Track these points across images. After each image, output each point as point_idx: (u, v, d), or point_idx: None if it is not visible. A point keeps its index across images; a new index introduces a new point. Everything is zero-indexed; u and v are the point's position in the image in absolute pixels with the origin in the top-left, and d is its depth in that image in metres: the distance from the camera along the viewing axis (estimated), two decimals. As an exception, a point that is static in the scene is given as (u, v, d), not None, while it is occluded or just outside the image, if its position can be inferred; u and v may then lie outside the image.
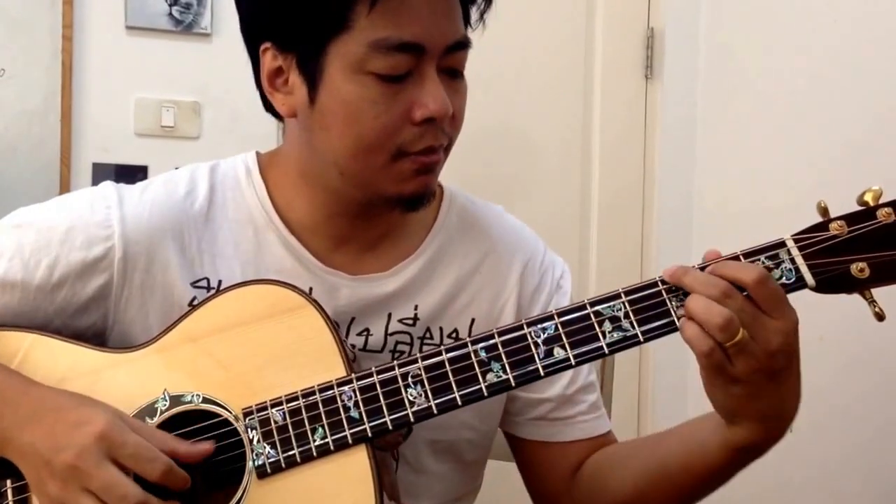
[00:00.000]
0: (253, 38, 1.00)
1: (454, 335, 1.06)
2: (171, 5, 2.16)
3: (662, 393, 2.36)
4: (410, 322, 1.05)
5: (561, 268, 1.14)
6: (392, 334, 1.04)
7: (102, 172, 2.11)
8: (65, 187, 2.10)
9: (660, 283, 0.88)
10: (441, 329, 1.06)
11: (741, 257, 0.87)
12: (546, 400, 1.10)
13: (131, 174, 2.11)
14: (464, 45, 0.97)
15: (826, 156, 1.85)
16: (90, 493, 0.84)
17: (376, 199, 0.99)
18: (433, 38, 0.93)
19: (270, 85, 0.99)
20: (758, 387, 0.85)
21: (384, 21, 0.91)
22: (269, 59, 0.98)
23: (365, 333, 1.04)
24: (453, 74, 0.98)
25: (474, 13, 1.01)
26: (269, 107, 1.03)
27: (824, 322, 1.69)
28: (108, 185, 1.04)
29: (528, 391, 1.09)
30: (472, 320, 1.07)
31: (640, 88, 2.47)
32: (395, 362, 0.92)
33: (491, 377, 0.89)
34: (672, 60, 2.41)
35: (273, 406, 0.92)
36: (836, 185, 1.73)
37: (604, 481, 1.07)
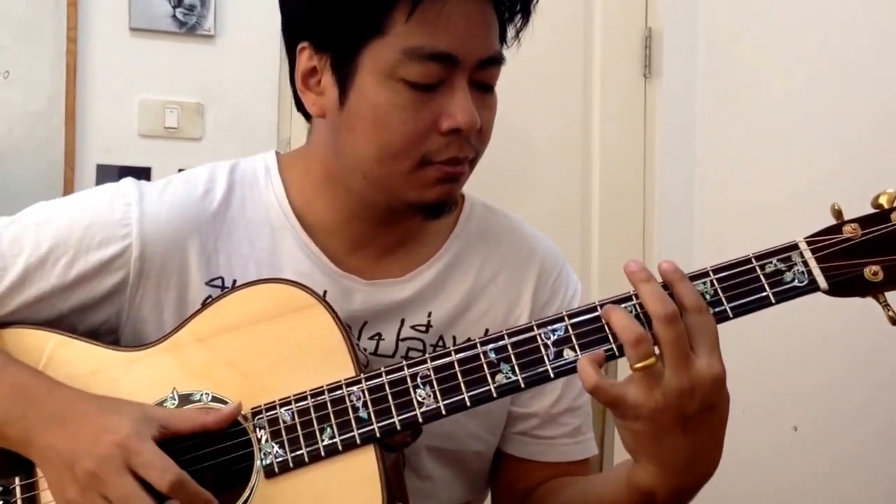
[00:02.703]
0: (291, 37, 1.00)
1: None
2: (174, 7, 2.16)
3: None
4: (423, 329, 1.05)
5: (574, 288, 1.13)
6: (404, 340, 1.04)
7: (106, 174, 2.12)
8: (69, 188, 2.10)
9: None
10: (454, 338, 1.06)
11: (752, 259, 0.86)
12: (532, 415, 1.09)
13: (135, 175, 2.08)
14: (497, 60, 0.97)
15: (824, 153, 1.85)
16: (108, 501, 0.85)
17: (398, 204, 0.99)
18: (467, 51, 0.93)
19: (304, 84, 1.00)
20: (661, 428, 0.82)
21: (420, 29, 0.91)
22: (305, 59, 0.98)
23: (377, 338, 1.04)
24: (484, 89, 0.97)
25: (511, 30, 1.01)
26: (300, 106, 1.03)
27: (828, 323, 1.70)
28: (128, 182, 1.05)
29: (516, 405, 1.09)
30: (487, 331, 1.06)
31: (639, 87, 2.48)
32: (405, 363, 0.91)
33: (500, 378, 0.88)
34: (670, 59, 2.42)
35: (281, 405, 0.92)
36: (835, 182, 1.74)
37: None
